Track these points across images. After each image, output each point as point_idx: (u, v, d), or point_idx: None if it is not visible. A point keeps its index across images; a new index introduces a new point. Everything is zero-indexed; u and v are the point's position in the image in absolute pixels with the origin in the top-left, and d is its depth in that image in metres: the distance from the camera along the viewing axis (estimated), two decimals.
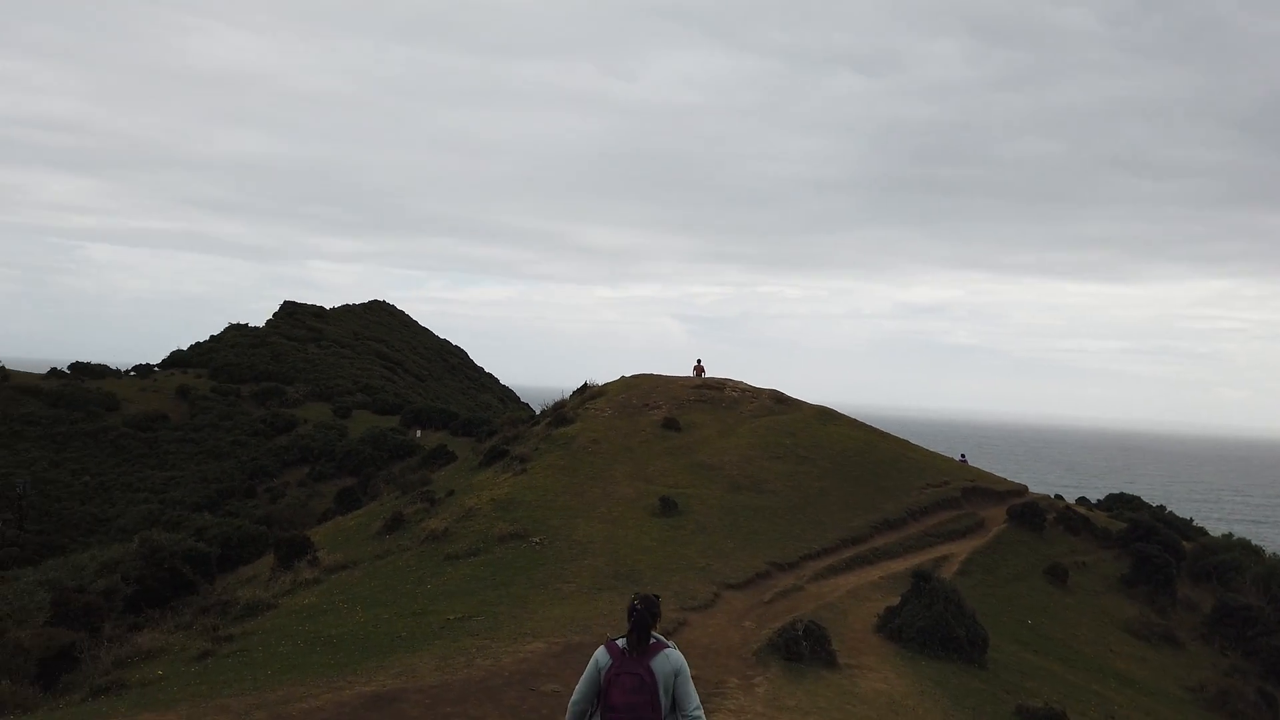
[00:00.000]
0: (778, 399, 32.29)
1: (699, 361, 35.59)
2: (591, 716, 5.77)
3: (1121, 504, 41.56)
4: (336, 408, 73.50)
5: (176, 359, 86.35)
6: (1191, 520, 40.25)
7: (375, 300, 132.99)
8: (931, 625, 13.96)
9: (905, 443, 31.73)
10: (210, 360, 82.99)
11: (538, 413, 32.96)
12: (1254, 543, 29.07)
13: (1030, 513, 26.33)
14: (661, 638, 5.87)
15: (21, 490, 52.14)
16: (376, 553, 20.38)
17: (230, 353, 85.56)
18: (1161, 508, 46.19)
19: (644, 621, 5.69)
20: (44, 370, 74.89)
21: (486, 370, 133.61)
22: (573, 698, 5.80)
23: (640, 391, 31.34)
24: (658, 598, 5.98)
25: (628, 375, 33.63)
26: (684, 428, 28.38)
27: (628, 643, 5.71)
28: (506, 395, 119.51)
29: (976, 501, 28.22)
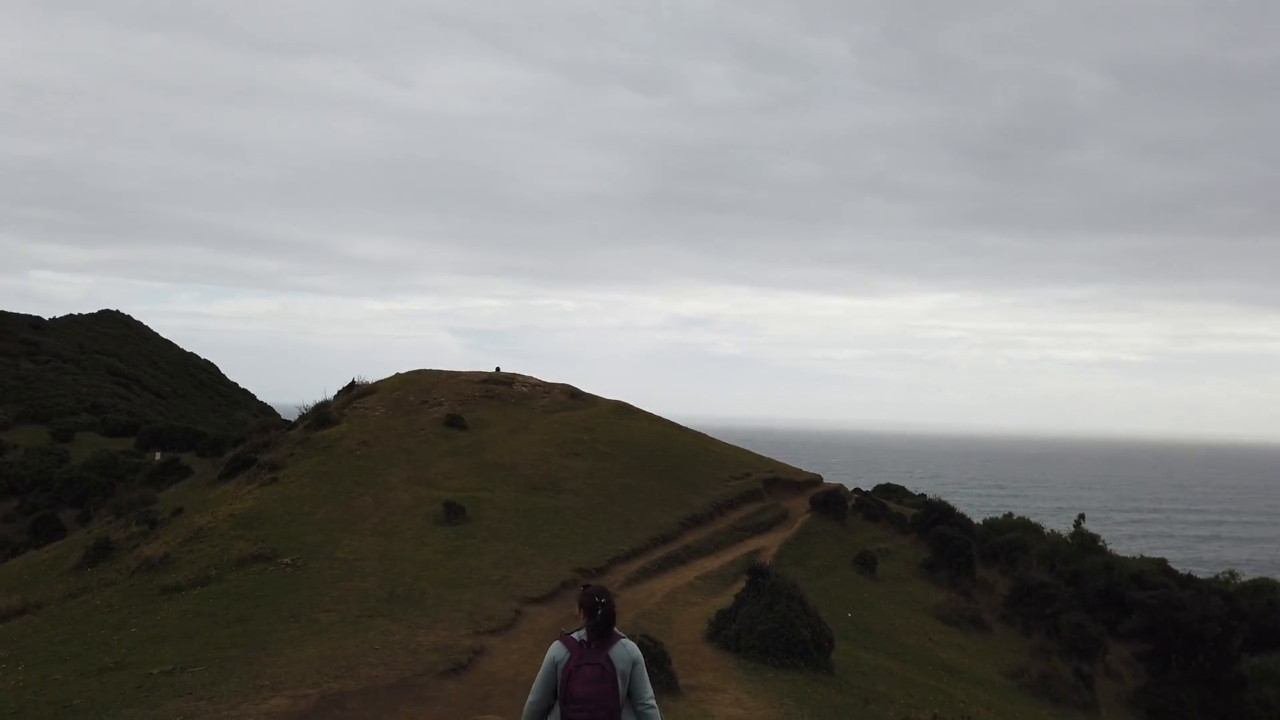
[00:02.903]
0: (571, 394, 29.86)
1: (498, 370, 32.47)
2: (549, 714, 5.64)
3: (890, 493, 42.69)
4: (56, 430, 62.84)
5: None
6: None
7: (107, 310, 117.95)
8: (775, 629, 11.92)
9: (704, 436, 30.31)
10: None
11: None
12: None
13: (833, 501, 25.53)
14: (617, 630, 5.74)
15: None
16: (69, 591, 15.72)
17: None
18: (923, 495, 48.25)
19: (611, 616, 5.65)
20: None
21: (241, 386, 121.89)
22: (530, 698, 5.64)
23: (418, 388, 27.77)
24: (606, 590, 5.94)
25: (404, 372, 29.90)
26: (470, 426, 25.21)
27: (589, 636, 5.59)
28: (264, 412, 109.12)
29: (778, 493, 27.19)
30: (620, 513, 20.88)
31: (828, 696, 10.86)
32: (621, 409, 29.51)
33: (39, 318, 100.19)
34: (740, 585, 14.66)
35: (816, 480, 30.30)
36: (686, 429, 30.43)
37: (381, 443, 22.96)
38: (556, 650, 5.59)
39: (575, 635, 5.61)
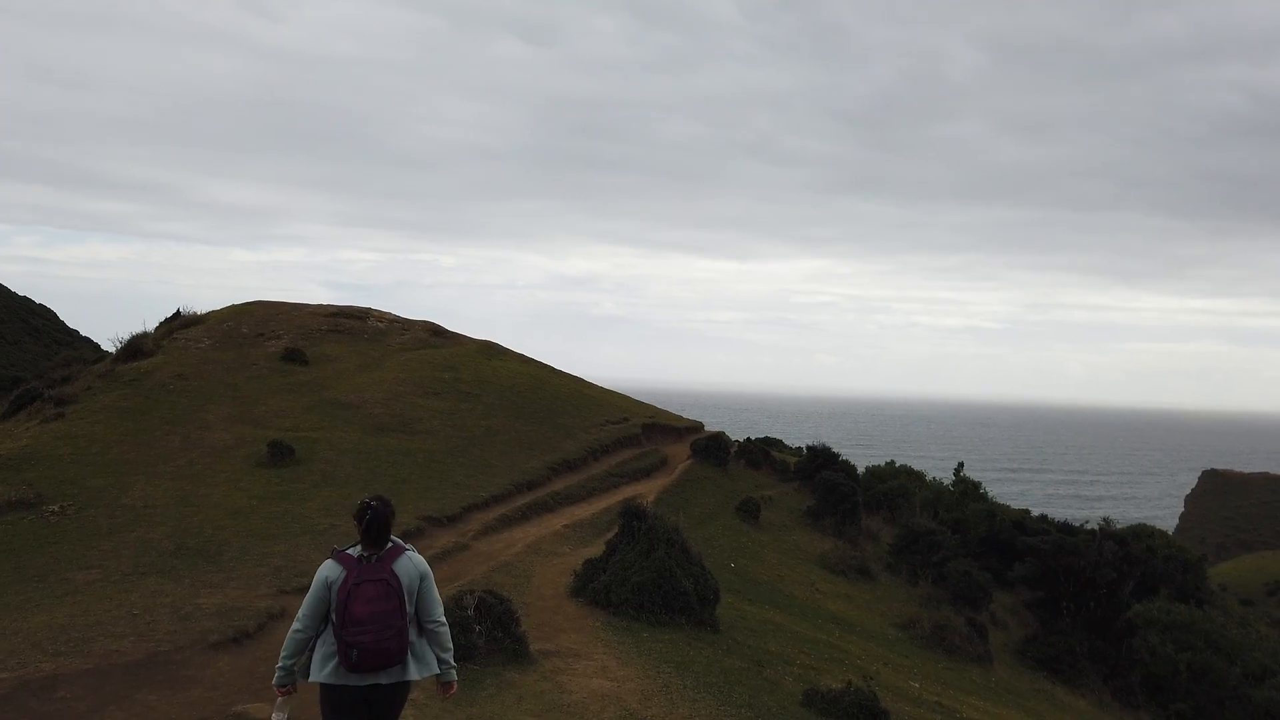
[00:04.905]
0: (434, 331, 27.08)
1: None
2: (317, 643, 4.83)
3: (769, 445, 41.90)
4: None
5: None
6: None
7: None
8: (653, 580, 9.92)
9: (579, 379, 28.17)
10: None
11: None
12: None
13: (715, 447, 23.89)
14: (399, 540, 4.99)
15: None
16: None
17: None
18: (799, 449, 47.90)
19: (383, 519, 4.84)
20: None
21: (84, 335, 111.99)
22: (295, 626, 4.77)
23: (254, 319, 24.42)
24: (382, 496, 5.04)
25: (239, 304, 26.36)
26: (313, 361, 22.19)
27: (364, 547, 4.82)
28: None
29: (658, 438, 25.41)
30: (481, 456, 18.54)
31: (715, 659, 8.94)
32: (489, 348, 26.99)
33: None
34: (614, 533, 12.65)
35: (697, 427, 28.72)
36: (560, 371, 28.21)
37: (202, 377, 19.76)
38: (329, 569, 4.77)
39: (351, 550, 4.84)
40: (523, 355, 28.09)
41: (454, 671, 5.01)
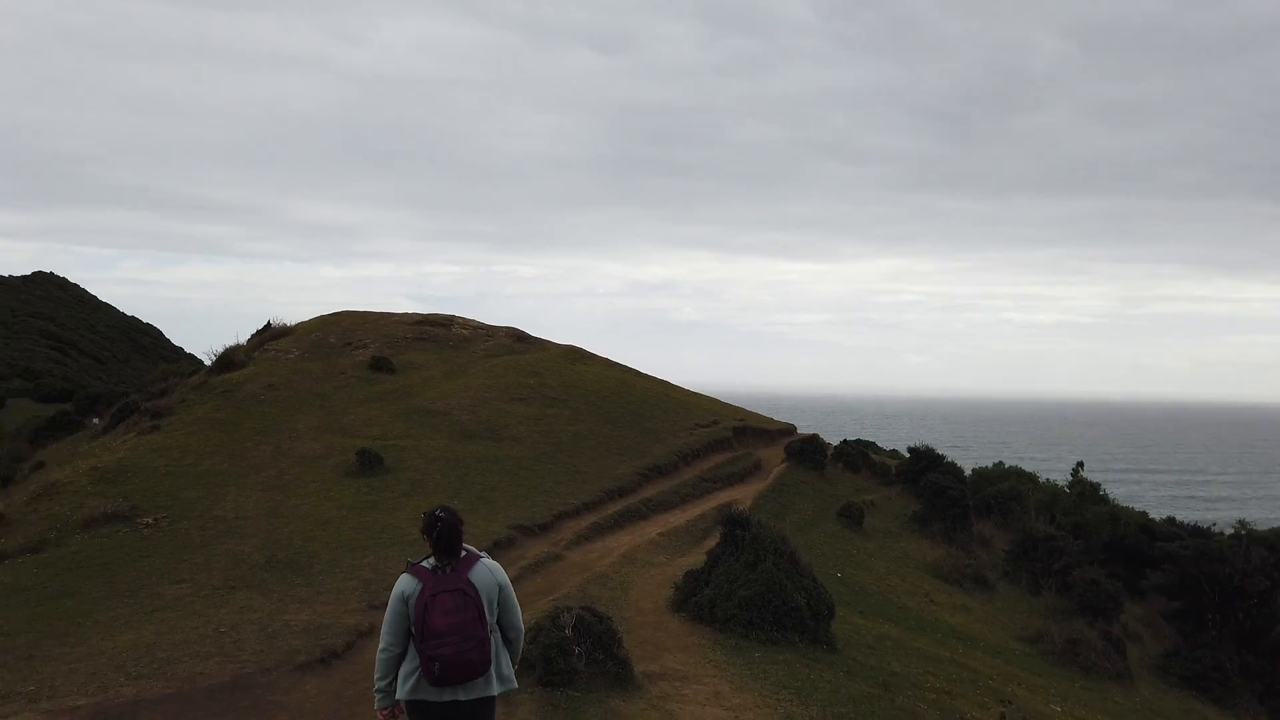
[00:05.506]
0: (518, 337, 26.76)
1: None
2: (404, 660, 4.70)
3: (864, 446, 40.23)
4: None
5: None
6: None
7: (40, 272, 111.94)
8: (761, 594, 9.09)
9: (666, 382, 27.47)
10: None
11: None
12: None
13: (810, 450, 22.82)
14: (473, 549, 4.87)
15: None
16: None
17: None
18: (895, 452, 46.04)
19: (454, 529, 4.73)
20: None
21: (188, 351, 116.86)
22: (381, 645, 4.72)
23: (341, 329, 24.50)
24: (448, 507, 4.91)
25: (326, 314, 26.56)
26: (399, 369, 22.06)
27: (437, 558, 4.70)
28: None
29: (749, 441, 24.49)
30: (569, 463, 17.98)
31: (839, 684, 8.06)
32: (574, 353, 26.52)
33: None
34: (713, 542, 11.87)
35: (790, 429, 27.67)
36: (645, 375, 27.56)
37: (292, 387, 19.77)
38: (405, 583, 4.68)
39: (425, 563, 4.72)
40: (607, 359, 27.56)
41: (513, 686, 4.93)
